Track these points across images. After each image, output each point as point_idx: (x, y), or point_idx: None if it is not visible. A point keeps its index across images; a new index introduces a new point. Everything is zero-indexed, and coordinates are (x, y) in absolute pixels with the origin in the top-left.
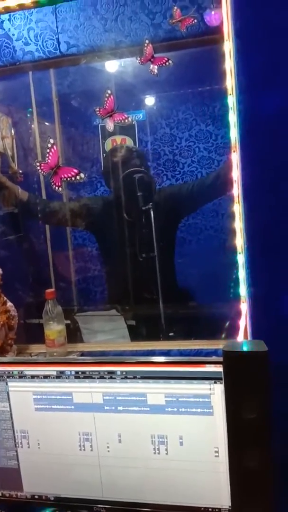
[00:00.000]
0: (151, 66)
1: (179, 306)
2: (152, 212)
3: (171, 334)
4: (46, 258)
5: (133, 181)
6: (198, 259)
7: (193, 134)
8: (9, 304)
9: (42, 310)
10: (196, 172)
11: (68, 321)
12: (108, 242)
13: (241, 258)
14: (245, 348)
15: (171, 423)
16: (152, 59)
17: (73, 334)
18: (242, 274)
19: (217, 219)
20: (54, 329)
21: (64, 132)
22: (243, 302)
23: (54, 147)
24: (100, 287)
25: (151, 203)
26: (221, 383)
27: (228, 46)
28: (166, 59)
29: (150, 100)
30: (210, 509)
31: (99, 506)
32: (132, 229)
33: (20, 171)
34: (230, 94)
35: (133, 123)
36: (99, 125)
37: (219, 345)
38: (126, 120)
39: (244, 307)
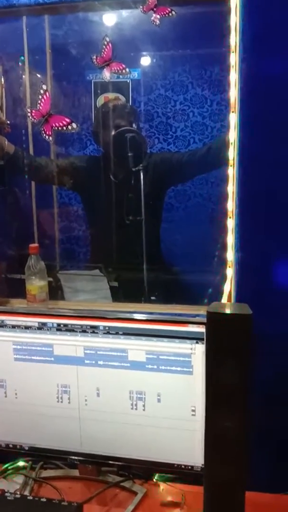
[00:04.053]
0: (153, 15)
1: (162, 270)
2: (142, 174)
3: (153, 298)
4: (30, 214)
5: (124, 140)
6: (184, 226)
7: (188, 97)
8: None
9: (25, 266)
10: (188, 138)
11: (50, 279)
12: (95, 202)
13: (231, 223)
14: (229, 310)
15: (151, 380)
16: (155, 8)
17: (55, 293)
18: (231, 239)
19: (206, 187)
20: (36, 284)
21: (55, 86)
22: (229, 267)
23: (47, 93)
24: (84, 248)
25: (141, 165)
26: (202, 343)
27: (235, 1)
28: (169, 9)
29: (146, 59)
30: (182, 466)
31: (73, 457)
32: (120, 191)
33: (8, 122)
34: (232, 52)
35: (128, 81)
36: (92, 80)
37: (200, 310)
38: (124, 71)
39: (230, 272)
